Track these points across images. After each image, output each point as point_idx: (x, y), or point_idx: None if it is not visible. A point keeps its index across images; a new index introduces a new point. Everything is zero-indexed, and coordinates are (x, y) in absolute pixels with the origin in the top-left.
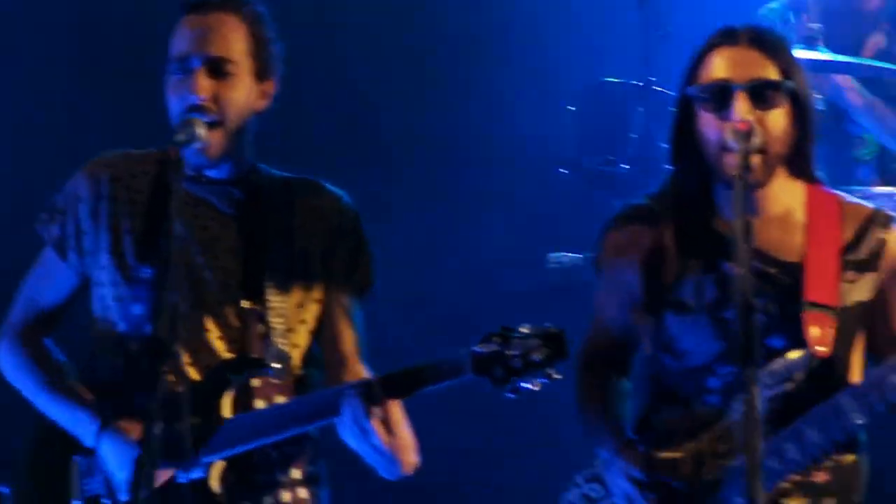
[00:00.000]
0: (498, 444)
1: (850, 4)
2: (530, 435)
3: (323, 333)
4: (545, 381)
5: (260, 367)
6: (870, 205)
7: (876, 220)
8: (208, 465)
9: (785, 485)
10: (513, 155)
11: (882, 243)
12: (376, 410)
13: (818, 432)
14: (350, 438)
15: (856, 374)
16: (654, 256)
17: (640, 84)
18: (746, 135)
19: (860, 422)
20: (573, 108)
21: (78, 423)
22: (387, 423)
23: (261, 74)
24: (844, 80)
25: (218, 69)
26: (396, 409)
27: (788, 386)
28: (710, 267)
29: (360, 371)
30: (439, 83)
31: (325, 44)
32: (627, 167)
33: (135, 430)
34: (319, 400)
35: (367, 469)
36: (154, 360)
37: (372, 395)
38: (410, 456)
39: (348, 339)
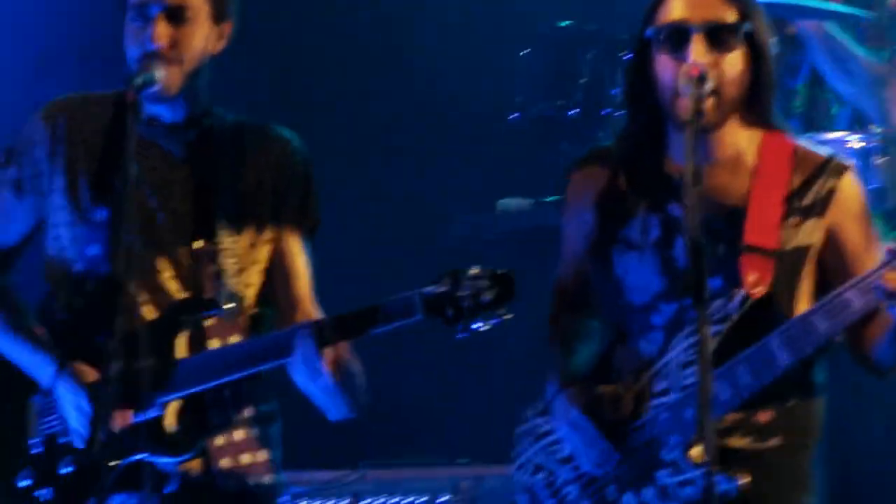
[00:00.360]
0: (451, 384)
1: None
2: (485, 373)
3: (275, 273)
4: (496, 321)
5: (213, 307)
6: (826, 152)
7: (828, 167)
8: (164, 405)
9: (726, 423)
10: (465, 101)
11: (832, 191)
12: (327, 351)
13: (747, 372)
14: (300, 378)
15: (791, 316)
16: (607, 196)
17: (592, 29)
18: (699, 80)
19: (788, 362)
20: (524, 53)
21: (35, 366)
22: (337, 364)
23: (218, 17)
24: (811, 24)
25: (176, 15)
26: (346, 349)
27: (724, 327)
28: (657, 207)
29: (312, 311)
30: (393, 27)
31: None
32: (576, 111)
33: (89, 373)
34: (271, 340)
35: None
36: (110, 299)
37: (323, 335)
38: (358, 397)
39: (300, 279)
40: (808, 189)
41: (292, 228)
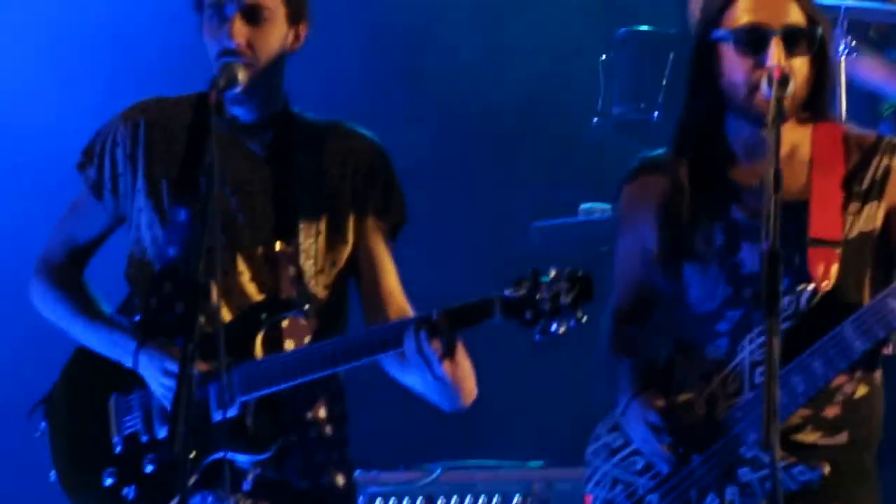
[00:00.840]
0: (524, 385)
1: None
2: (562, 381)
3: (361, 273)
4: (574, 323)
5: (290, 308)
6: (874, 133)
7: (880, 146)
8: (243, 404)
9: (796, 420)
10: (548, 105)
11: (887, 170)
12: (438, 342)
13: (822, 363)
14: (410, 371)
15: (861, 304)
16: (669, 205)
17: (672, 32)
18: (782, 81)
19: (864, 348)
20: (605, 57)
21: (115, 345)
22: (449, 355)
23: (294, 18)
24: (872, 68)
25: (253, 15)
26: (458, 341)
27: (795, 322)
28: (720, 213)
29: (405, 306)
30: (478, 32)
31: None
32: (658, 114)
33: (172, 349)
34: (378, 334)
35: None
36: (191, 300)
37: (435, 326)
38: (471, 385)
39: (389, 276)
40: (865, 171)
41: (376, 227)
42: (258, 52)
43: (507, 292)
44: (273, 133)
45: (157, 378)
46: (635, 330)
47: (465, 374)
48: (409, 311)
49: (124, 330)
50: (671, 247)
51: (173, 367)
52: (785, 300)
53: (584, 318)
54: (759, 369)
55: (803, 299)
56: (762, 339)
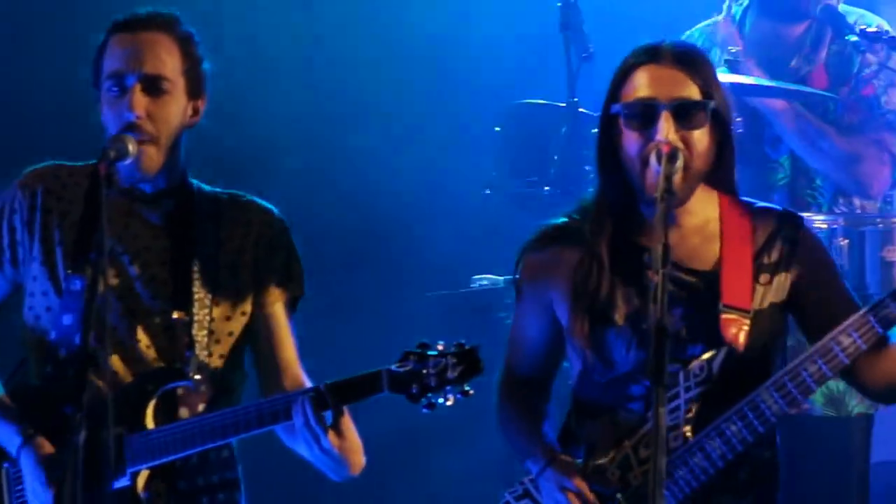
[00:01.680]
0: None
1: (776, 31)
2: (462, 443)
3: (259, 344)
4: (460, 396)
5: (181, 378)
6: (778, 207)
7: (786, 220)
8: (134, 474)
9: (711, 482)
10: (439, 177)
11: (793, 243)
12: (326, 415)
13: (740, 427)
14: (299, 443)
15: (770, 373)
16: (581, 272)
17: (563, 105)
18: (670, 157)
19: (781, 412)
20: (499, 129)
21: (3, 435)
22: (336, 427)
23: (193, 92)
24: (779, 103)
25: (153, 87)
26: (346, 414)
27: (708, 386)
28: (633, 279)
29: (300, 378)
30: (364, 106)
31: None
32: (549, 189)
33: (48, 447)
34: (268, 406)
35: (283, 473)
36: (81, 369)
37: (323, 400)
38: (358, 457)
39: (286, 348)
40: (772, 244)
41: (276, 298)
42: (158, 124)
43: (393, 367)
44: (173, 204)
45: (32, 486)
46: (532, 397)
47: (351, 446)
48: (305, 383)
49: (12, 419)
50: (585, 314)
51: (42, 486)
52: (696, 366)
53: (471, 392)
54: (673, 434)
55: (715, 364)
56: (676, 403)
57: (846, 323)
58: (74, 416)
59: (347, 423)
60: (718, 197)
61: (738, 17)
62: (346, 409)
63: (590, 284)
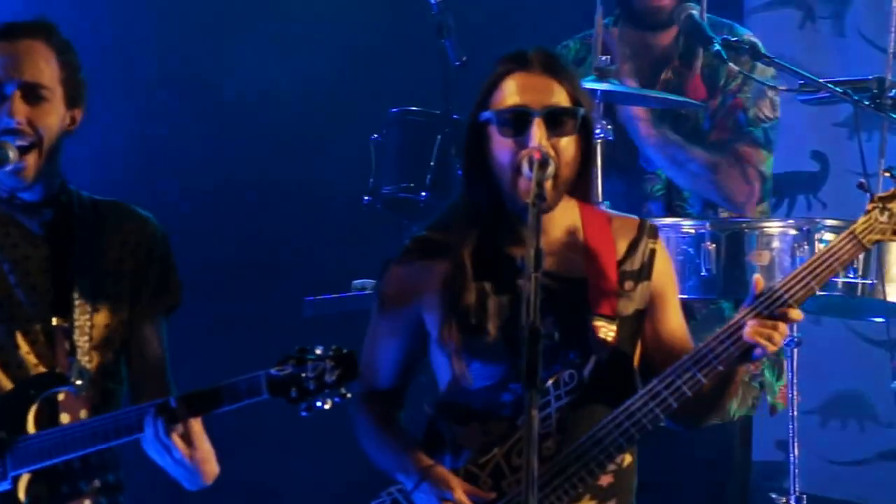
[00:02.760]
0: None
1: (643, 41)
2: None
3: (131, 352)
4: (338, 399)
5: (63, 383)
6: (635, 217)
7: (644, 230)
8: (15, 478)
9: (580, 489)
10: (320, 184)
11: (653, 253)
12: (177, 427)
13: (617, 435)
14: (153, 453)
15: (635, 379)
16: (449, 283)
17: (438, 112)
18: (542, 163)
19: (657, 419)
20: (376, 136)
21: None
22: (187, 438)
23: (71, 101)
24: (639, 112)
25: (33, 94)
26: (197, 425)
27: (578, 394)
28: (503, 288)
29: (167, 389)
30: (242, 114)
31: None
32: (425, 194)
33: None
34: (123, 418)
35: (165, 475)
36: None
37: (172, 413)
38: (211, 467)
39: (155, 358)
40: (634, 253)
41: (150, 307)
42: (39, 131)
43: (272, 370)
44: (52, 212)
45: None
46: (391, 409)
47: (204, 456)
48: (170, 393)
49: None
50: (455, 326)
51: None
52: (566, 374)
53: (349, 395)
54: (547, 443)
55: (586, 372)
56: (547, 411)
57: (718, 331)
58: None
59: (199, 434)
60: (579, 205)
61: (611, 27)
62: (198, 420)
63: (459, 295)
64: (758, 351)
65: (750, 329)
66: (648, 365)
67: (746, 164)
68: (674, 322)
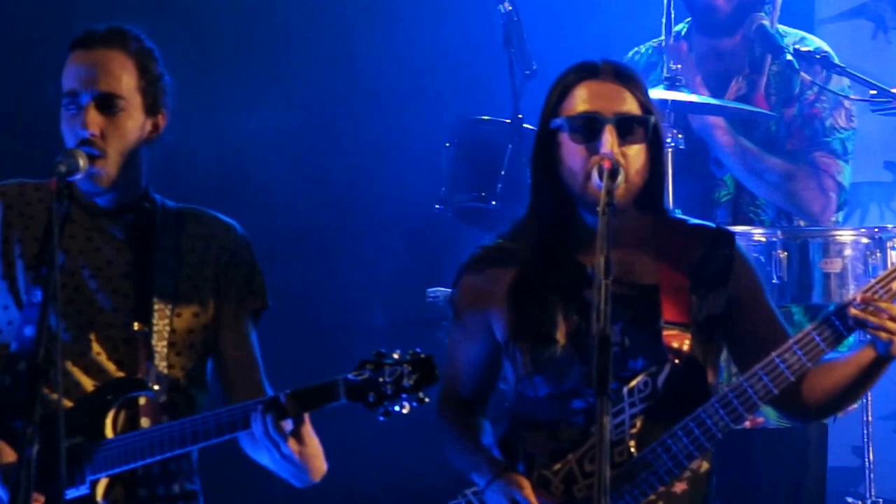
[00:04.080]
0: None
1: (713, 48)
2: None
3: (222, 356)
4: (416, 404)
5: (142, 388)
6: (712, 224)
7: (720, 237)
8: (93, 483)
9: (651, 496)
10: (391, 192)
11: (729, 259)
12: (286, 422)
13: (687, 443)
14: (261, 451)
15: (709, 386)
16: (517, 292)
17: (509, 121)
18: (612, 172)
19: (726, 427)
20: (448, 145)
21: None
22: (297, 434)
23: (151, 109)
24: (717, 120)
25: (107, 105)
26: (306, 421)
27: (653, 402)
28: (572, 296)
29: (263, 390)
30: (318, 125)
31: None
32: (495, 203)
33: (9, 454)
34: (226, 415)
35: (242, 487)
36: (31, 383)
37: (282, 408)
38: (319, 463)
39: (248, 360)
40: (708, 261)
41: (238, 312)
42: (112, 141)
43: (350, 375)
44: (133, 217)
45: None
46: (472, 415)
47: (313, 452)
48: (267, 394)
49: None
50: (525, 333)
51: (2, 491)
52: (640, 381)
53: (427, 399)
54: (618, 449)
55: (660, 380)
56: (620, 418)
57: (791, 340)
58: (25, 429)
59: (308, 430)
60: (653, 214)
61: (683, 34)
62: (307, 416)
63: (527, 303)
64: (881, 344)
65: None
66: (750, 366)
67: (823, 174)
68: (767, 321)
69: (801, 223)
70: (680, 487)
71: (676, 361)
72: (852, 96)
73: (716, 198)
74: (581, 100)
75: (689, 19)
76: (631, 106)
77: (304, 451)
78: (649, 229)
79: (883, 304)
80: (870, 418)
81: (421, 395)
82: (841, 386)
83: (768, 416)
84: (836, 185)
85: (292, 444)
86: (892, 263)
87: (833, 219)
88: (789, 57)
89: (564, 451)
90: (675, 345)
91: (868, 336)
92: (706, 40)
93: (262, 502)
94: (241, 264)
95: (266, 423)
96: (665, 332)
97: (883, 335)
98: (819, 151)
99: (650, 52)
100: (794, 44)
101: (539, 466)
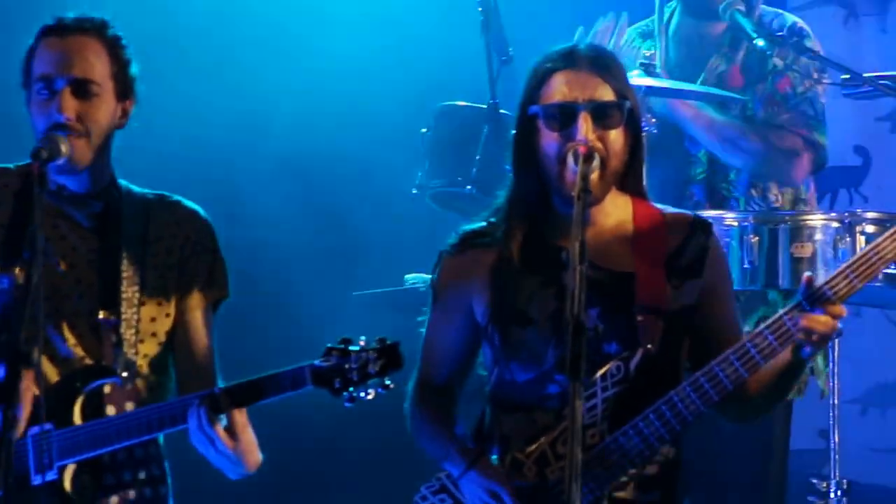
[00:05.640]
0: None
1: (698, 30)
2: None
3: (177, 344)
4: (381, 390)
5: (109, 375)
6: (690, 213)
7: (698, 227)
8: (61, 469)
9: (623, 477)
10: (371, 178)
11: (705, 250)
12: (220, 418)
13: (659, 426)
14: (197, 444)
15: (681, 373)
16: (497, 274)
17: (484, 106)
18: (587, 157)
19: (698, 411)
20: (426, 131)
21: None
22: (231, 430)
23: (121, 94)
24: (689, 111)
25: (82, 90)
26: (240, 416)
27: (625, 386)
28: (551, 280)
29: (213, 382)
30: (297, 111)
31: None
32: (471, 188)
33: None
34: (167, 409)
35: (213, 469)
36: (12, 367)
37: (216, 404)
38: (254, 457)
39: (202, 351)
40: (684, 249)
41: (198, 300)
42: (88, 126)
43: (317, 361)
44: (101, 205)
45: None
46: (445, 402)
47: (246, 447)
48: (216, 385)
49: None
50: (502, 314)
51: None
52: (613, 366)
53: (391, 385)
54: (591, 431)
55: (632, 364)
56: (593, 402)
57: (762, 325)
58: (6, 413)
59: (242, 424)
60: (632, 200)
61: (665, 18)
62: (242, 412)
63: (506, 286)
64: (806, 349)
65: (798, 325)
66: (702, 359)
67: (796, 136)
68: (728, 317)
69: (775, 192)
70: (652, 470)
71: (649, 347)
72: (824, 80)
73: (692, 175)
74: (557, 88)
75: (675, 3)
76: (606, 93)
77: (237, 446)
78: (628, 214)
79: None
80: (836, 401)
81: (387, 381)
82: (769, 383)
83: None
84: (809, 144)
85: (225, 439)
86: (860, 248)
87: (800, 195)
88: (761, 43)
89: (537, 433)
90: (649, 330)
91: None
92: (692, 22)
93: (233, 485)
94: (204, 253)
95: (200, 419)
96: (639, 318)
97: (815, 337)
98: (791, 114)
99: (632, 34)
100: (772, 22)
101: (514, 449)
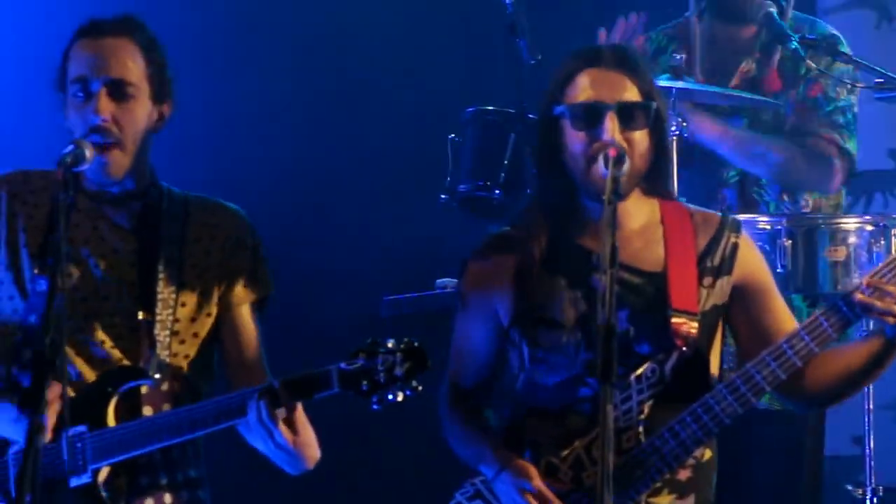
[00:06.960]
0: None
1: (727, 33)
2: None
3: (225, 343)
4: (409, 392)
5: (141, 377)
6: (718, 212)
7: (726, 225)
8: (95, 471)
9: (657, 483)
10: (399, 183)
11: (735, 247)
12: (280, 411)
13: (696, 428)
14: (256, 438)
15: (715, 372)
16: (523, 278)
17: (513, 111)
18: (618, 160)
19: (734, 413)
20: (454, 136)
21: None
22: (290, 422)
23: (158, 97)
24: (698, 119)
25: (118, 91)
26: (299, 409)
27: (660, 389)
28: (578, 282)
29: (264, 377)
30: (321, 115)
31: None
32: (499, 192)
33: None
34: (224, 403)
35: (249, 471)
36: (38, 372)
37: (275, 397)
38: (312, 451)
39: (251, 348)
40: (715, 248)
41: (242, 300)
42: (124, 128)
43: (343, 364)
44: (140, 205)
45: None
46: (477, 405)
47: (306, 441)
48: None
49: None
50: (531, 320)
51: (17, 415)
52: (648, 368)
53: (420, 388)
54: (626, 435)
55: (668, 367)
56: (628, 405)
57: (798, 326)
58: (33, 418)
59: (301, 418)
60: (659, 200)
61: (692, 19)
62: (299, 405)
63: (530, 289)
64: (888, 329)
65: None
66: (750, 357)
67: (827, 144)
68: (775, 312)
69: (810, 201)
70: (684, 475)
71: (684, 349)
72: (857, 84)
73: (724, 179)
74: (583, 87)
75: (703, 4)
76: (632, 93)
77: (297, 440)
78: (655, 215)
79: (889, 288)
80: (871, 406)
81: (414, 383)
82: (848, 372)
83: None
84: (840, 152)
85: (285, 432)
86: (895, 250)
87: (839, 201)
88: (795, 45)
89: (571, 438)
90: (683, 332)
91: (867, 328)
92: (722, 25)
93: (270, 487)
94: (246, 252)
95: (260, 411)
96: (673, 320)
97: (890, 319)
98: (821, 122)
99: (660, 37)
100: (804, 31)
101: (545, 454)
